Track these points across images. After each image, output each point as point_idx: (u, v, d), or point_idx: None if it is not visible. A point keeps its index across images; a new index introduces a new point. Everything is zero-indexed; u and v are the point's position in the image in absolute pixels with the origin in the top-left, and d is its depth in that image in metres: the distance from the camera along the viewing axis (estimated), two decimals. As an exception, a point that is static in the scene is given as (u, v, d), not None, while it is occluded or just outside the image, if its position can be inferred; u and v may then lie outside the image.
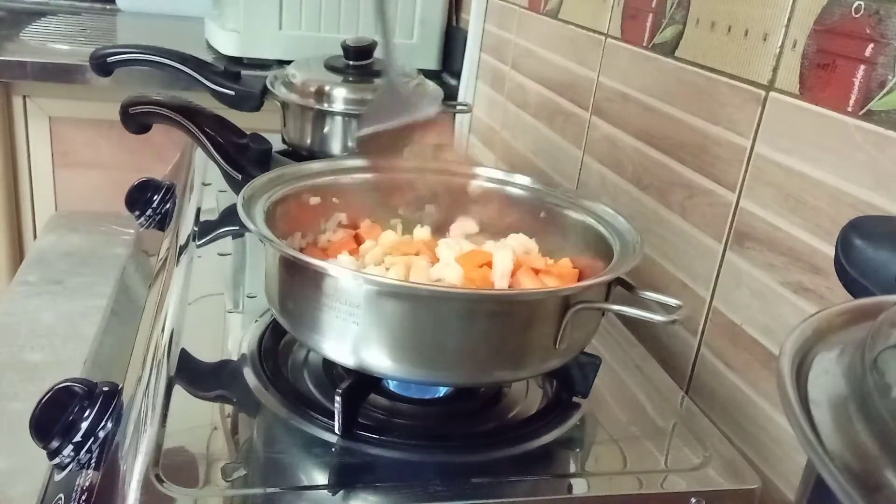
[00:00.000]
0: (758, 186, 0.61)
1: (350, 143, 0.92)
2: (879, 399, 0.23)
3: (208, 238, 0.78)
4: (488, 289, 0.53)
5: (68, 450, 0.52)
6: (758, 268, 0.60)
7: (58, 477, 0.55)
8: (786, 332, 0.28)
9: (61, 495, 0.54)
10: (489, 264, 0.54)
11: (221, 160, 0.81)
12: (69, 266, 1.15)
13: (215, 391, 0.53)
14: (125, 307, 0.82)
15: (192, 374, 0.55)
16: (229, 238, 0.79)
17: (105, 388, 0.54)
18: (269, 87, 0.95)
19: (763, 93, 0.61)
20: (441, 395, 0.55)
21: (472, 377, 0.51)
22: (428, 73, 1.12)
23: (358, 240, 0.61)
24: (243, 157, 0.81)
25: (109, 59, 0.95)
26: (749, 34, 0.62)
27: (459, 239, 0.60)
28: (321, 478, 0.46)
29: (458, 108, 1.11)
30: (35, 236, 1.45)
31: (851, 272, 0.37)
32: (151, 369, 0.55)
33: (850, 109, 0.52)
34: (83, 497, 0.50)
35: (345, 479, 0.46)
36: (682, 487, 0.48)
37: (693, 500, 0.47)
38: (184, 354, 0.56)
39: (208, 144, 0.81)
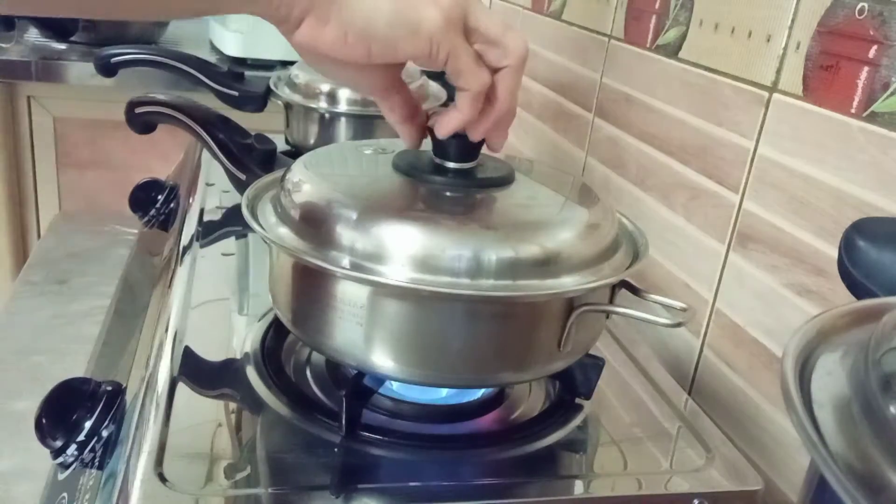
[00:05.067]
0: (761, 188, 0.61)
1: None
2: (883, 400, 0.23)
3: (212, 238, 0.78)
4: (492, 291, 0.53)
5: (72, 449, 0.52)
6: (761, 269, 0.60)
7: (61, 476, 0.56)
8: (789, 333, 0.28)
9: (65, 494, 0.54)
10: None
11: (226, 160, 0.81)
12: (73, 266, 1.15)
13: (218, 391, 0.54)
14: (129, 307, 0.82)
15: (196, 373, 0.55)
16: (233, 238, 0.79)
17: (108, 388, 0.54)
18: (272, 87, 0.96)
19: (766, 94, 0.61)
20: (444, 395, 0.56)
21: (475, 379, 0.51)
22: (431, 74, 1.12)
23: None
24: (248, 158, 0.81)
25: (114, 60, 0.95)
26: (752, 36, 0.62)
27: None
28: (324, 478, 0.46)
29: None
30: (39, 236, 1.45)
31: (855, 274, 0.38)
32: (155, 369, 0.55)
33: (853, 111, 0.52)
34: (87, 496, 0.50)
35: (348, 479, 0.46)
36: (684, 489, 0.48)
37: (696, 501, 0.47)
38: (187, 354, 0.56)
39: (213, 144, 0.81)
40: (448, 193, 0.51)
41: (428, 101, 0.97)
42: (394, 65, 0.47)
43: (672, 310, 0.49)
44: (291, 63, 1.01)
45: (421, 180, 0.51)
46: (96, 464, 0.51)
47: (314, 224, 0.48)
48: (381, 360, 0.47)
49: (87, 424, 0.53)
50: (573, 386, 0.56)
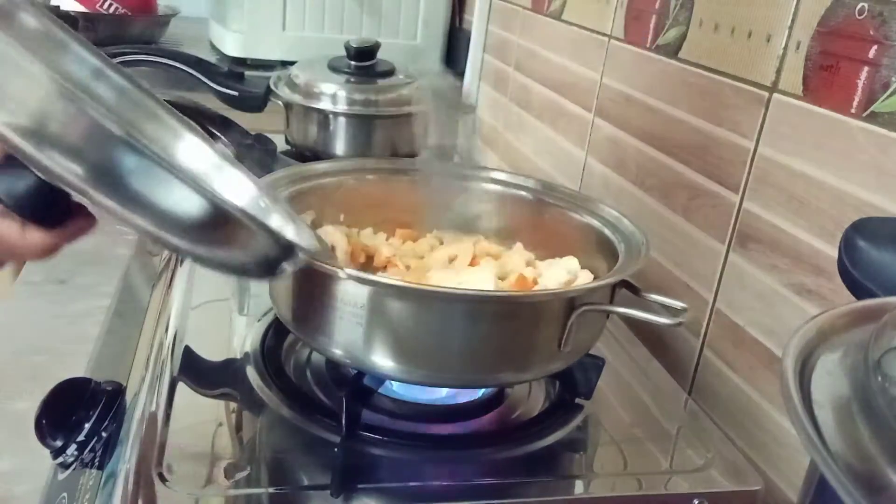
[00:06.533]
0: (761, 188, 0.61)
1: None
2: (883, 400, 0.23)
3: (212, 238, 0.78)
4: (492, 290, 0.53)
5: (72, 449, 0.52)
6: (761, 269, 0.60)
7: (61, 476, 0.56)
8: (788, 333, 0.28)
9: (65, 494, 0.54)
10: None
11: (225, 161, 0.81)
12: (72, 266, 1.15)
13: (218, 391, 0.54)
14: (129, 307, 0.82)
15: (196, 373, 0.55)
16: (233, 238, 0.79)
17: (108, 388, 0.54)
18: (272, 87, 0.96)
19: (766, 94, 0.60)
20: (444, 395, 0.56)
21: (475, 379, 0.51)
22: (431, 74, 1.12)
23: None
24: (248, 158, 0.81)
25: (114, 60, 0.95)
26: (752, 36, 0.62)
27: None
28: (324, 478, 0.46)
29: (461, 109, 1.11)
30: (39, 236, 1.45)
31: (855, 274, 0.37)
32: (155, 369, 0.55)
33: (853, 111, 0.52)
34: (87, 496, 0.50)
35: (348, 479, 0.46)
36: (684, 489, 0.48)
37: (696, 501, 0.47)
38: (187, 354, 0.56)
39: (212, 145, 0.81)
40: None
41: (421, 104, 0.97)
42: None
43: (672, 309, 0.49)
44: (291, 63, 1.01)
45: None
46: (96, 464, 0.51)
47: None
48: (381, 360, 0.47)
49: (87, 424, 0.53)
50: (573, 386, 0.56)
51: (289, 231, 0.41)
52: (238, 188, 0.44)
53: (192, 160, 0.42)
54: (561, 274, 0.56)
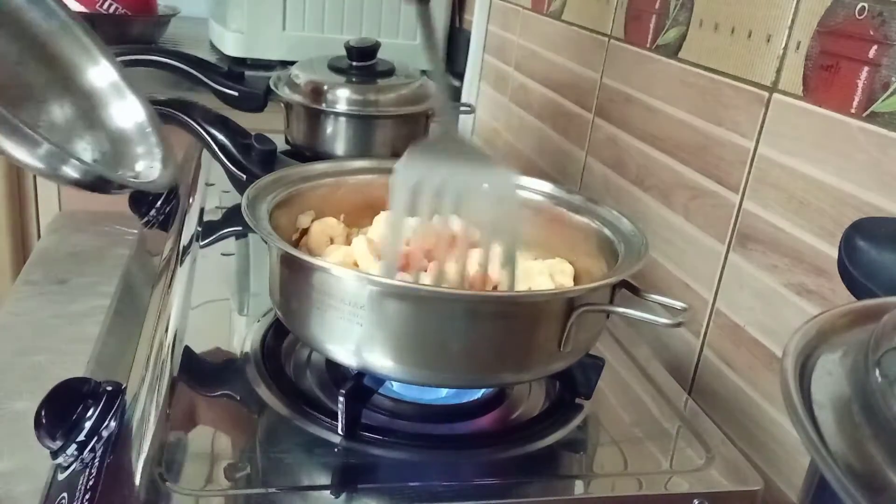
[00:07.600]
0: (761, 188, 0.61)
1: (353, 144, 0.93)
2: (883, 400, 0.23)
3: (212, 238, 0.78)
4: (492, 291, 0.53)
5: (71, 449, 0.52)
6: (761, 269, 0.60)
7: (61, 476, 0.55)
8: (788, 333, 0.28)
9: (65, 494, 0.54)
10: None
11: (226, 160, 0.82)
12: (73, 266, 1.15)
13: (219, 391, 0.54)
14: (128, 307, 0.82)
15: (196, 373, 0.55)
16: (232, 238, 0.79)
17: (108, 388, 0.54)
18: (272, 87, 0.96)
19: (766, 94, 0.61)
20: (444, 395, 0.56)
21: (475, 379, 0.51)
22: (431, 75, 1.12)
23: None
24: (248, 158, 0.81)
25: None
26: (752, 36, 0.62)
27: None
28: (324, 478, 0.46)
29: (462, 109, 1.11)
30: (39, 236, 1.45)
31: (855, 274, 0.38)
32: (155, 369, 0.55)
33: (853, 111, 0.52)
34: (86, 497, 0.50)
35: (347, 479, 0.46)
36: (684, 489, 0.48)
37: (696, 501, 0.47)
38: (187, 354, 0.56)
39: (213, 145, 0.81)
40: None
41: (429, 100, 0.98)
42: None
43: (672, 310, 0.49)
44: (291, 63, 1.01)
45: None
46: (96, 464, 0.51)
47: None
48: (381, 360, 0.47)
49: (87, 424, 0.53)
50: (573, 386, 0.56)
51: (148, 161, 0.49)
52: (129, 111, 0.51)
53: (96, 81, 0.50)
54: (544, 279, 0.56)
